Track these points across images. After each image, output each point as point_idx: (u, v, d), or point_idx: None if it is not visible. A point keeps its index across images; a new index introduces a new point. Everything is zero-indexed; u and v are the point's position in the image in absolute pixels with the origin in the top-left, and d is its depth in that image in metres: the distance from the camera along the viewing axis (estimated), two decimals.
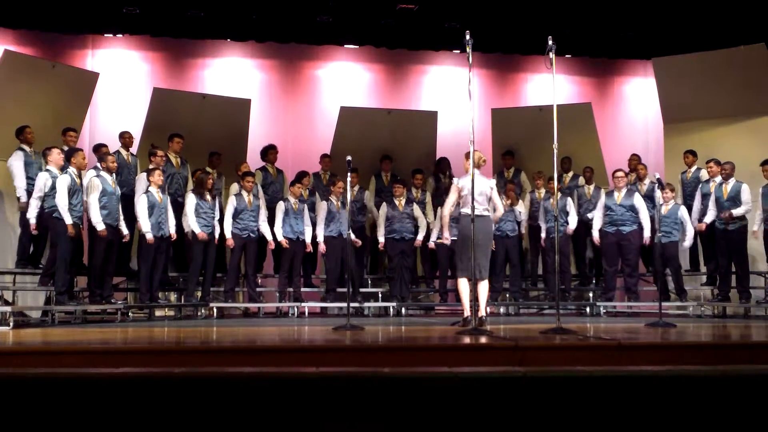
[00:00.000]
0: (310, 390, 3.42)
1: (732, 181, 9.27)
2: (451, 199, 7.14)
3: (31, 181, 8.32)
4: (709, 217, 9.44)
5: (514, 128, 11.27)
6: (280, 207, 9.72)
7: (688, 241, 9.52)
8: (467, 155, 6.70)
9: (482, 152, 7.19)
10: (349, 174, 7.14)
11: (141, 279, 8.82)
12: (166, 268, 9.29)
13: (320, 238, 9.80)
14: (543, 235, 10.14)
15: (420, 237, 10.12)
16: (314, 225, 9.92)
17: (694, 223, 9.63)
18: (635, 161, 10.66)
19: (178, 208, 9.41)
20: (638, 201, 9.60)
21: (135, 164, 9.65)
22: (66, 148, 8.49)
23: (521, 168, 11.18)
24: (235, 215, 9.47)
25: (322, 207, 9.89)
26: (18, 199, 8.53)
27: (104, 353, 4.50)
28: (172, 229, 8.96)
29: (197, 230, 9.13)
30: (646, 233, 9.48)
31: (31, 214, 8.00)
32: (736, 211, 9.13)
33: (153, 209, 8.70)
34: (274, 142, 10.92)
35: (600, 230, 9.75)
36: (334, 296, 9.86)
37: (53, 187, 7.84)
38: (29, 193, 8.22)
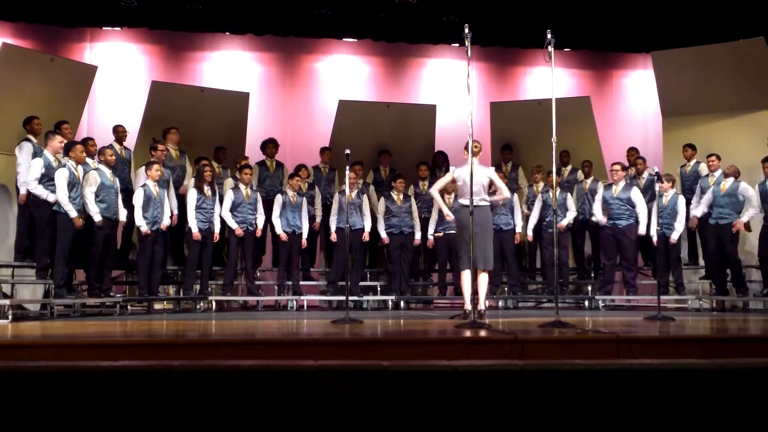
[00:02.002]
0: (309, 383, 3.42)
1: (731, 179, 9.26)
2: (441, 181, 7.26)
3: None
4: (699, 212, 9.45)
5: (513, 122, 11.27)
6: (278, 200, 9.73)
7: (675, 234, 9.49)
8: (467, 147, 6.76)
9: (481, 146, 7.20)
10: (348, 168, 7.14)
11: (139, 272, 8.83)
12: (164, 261, 9.29)
13: (332, 228, 9.84)
14: (529, 232, 10.12)
15: (417, 236, 10.12)
16: (311, 218, 10.00)
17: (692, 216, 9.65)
18: (634, 155, 10.65)
19: (181, 200, 9.46)
20: (635, 195, 9.59)
21: (129, 158, 9.64)
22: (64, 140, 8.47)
23: (519, 163, 11.17)
24: (233, 208, 9.47)
25: (336, 199, 9.97)
26: (17, 190, 8.49)
27: (103, 346, 4.49)
28: (165, 223, 8.93)
29: (195, 228, 9.15)
30: (641, 227, 9.50)
31: (42, 193, 7.92)
32: (746, 218, 9.10)
33: (149, 203, 8.69)
34: (273, 135, 10.90)
35: (598, 224, 9.78)
36: (334, 289, 9.86)
37: (46, 175, 7.85)
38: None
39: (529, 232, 10.20)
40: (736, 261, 9.19)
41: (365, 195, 10.16)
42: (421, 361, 3.84)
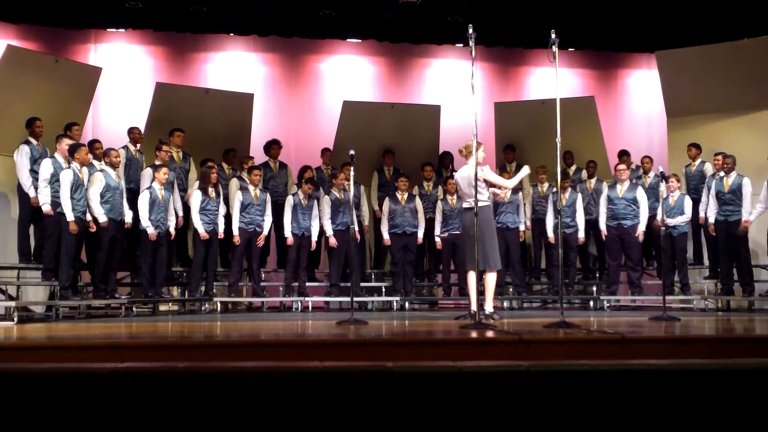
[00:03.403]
0: (314, 384, 3.42)
1: (733, 175, 9.23)
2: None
3: (36, 175, 8.28)
4: (711, 214, 9.41)
5: (517, 122, 11.24)
6: (289, 202, 9.71)
7: (680, 231, 9.51)
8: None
9: (485, 146, 7.20)
10: (352, 168, 7.14)
11: (142, 274, 8.83)
12: (169, 263, 9.29)
13: (329, 232, 9.77)
14: (550, 233, 10.06)
15: (420, 234, 10.10)
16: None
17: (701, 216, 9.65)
18: (626, 159, 10.57)
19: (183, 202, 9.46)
20: (640, 194, 9.58)
21: (143, 160, 9.66)
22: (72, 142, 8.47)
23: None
24: (242, 209, 9.46)
25: (325, 201, 9.87)
26: (27, 194, 8.47)
27: (108, 348, 4.50)
28: (171, 227, 8.95)
29: (201, 229, 9.15)
30: (641, 227, 9.51)
31: (45, 201, 7.92)
32: (754, 216, 9.06)
33: (154, 205, 8.69)
34: (277, 136, 10.92)
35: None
36: (338, 291, 9.85)
37: (54, 175, 7.86)
38: (35, 188, 8.20)
39: (551, 234, 10.07)
40: (745, 259, 9.17)
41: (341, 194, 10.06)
42: (426, 362, 3.84)
